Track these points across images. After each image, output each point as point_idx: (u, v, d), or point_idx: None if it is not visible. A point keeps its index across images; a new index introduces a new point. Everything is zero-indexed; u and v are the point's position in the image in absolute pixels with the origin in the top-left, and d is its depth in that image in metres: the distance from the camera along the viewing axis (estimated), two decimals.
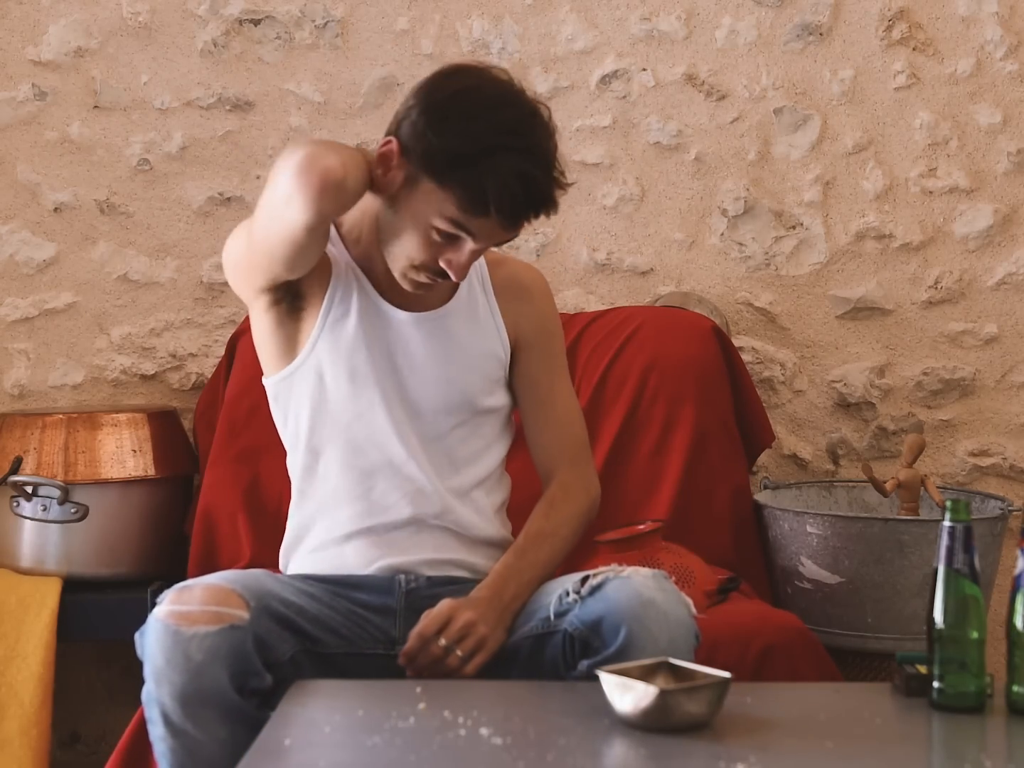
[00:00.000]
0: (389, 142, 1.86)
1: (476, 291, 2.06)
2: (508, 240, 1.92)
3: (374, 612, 1.95)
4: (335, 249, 2.01)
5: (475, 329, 2.04)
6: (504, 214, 1.83)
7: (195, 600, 1.76)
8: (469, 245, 1.86)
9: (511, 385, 2.09)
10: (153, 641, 1.75)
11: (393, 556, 1.99)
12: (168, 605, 1.77)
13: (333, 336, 1.99)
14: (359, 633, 1.93)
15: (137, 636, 1.80)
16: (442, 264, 1.88)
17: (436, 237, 1.86)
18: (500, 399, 2.07)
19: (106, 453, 2.65)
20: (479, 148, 1.80)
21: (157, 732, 1.78)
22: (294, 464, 2.06)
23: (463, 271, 1.88)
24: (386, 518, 1.99)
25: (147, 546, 2.70)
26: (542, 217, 1.87)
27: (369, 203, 1.93)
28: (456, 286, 2.04)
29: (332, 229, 1.99)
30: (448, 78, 1.88)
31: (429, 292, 1.96)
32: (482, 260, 2.07)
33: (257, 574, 1.92)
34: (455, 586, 1.99)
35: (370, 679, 1.85)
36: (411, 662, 1.86)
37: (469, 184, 1.80)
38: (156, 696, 1.75)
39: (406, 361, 1.99)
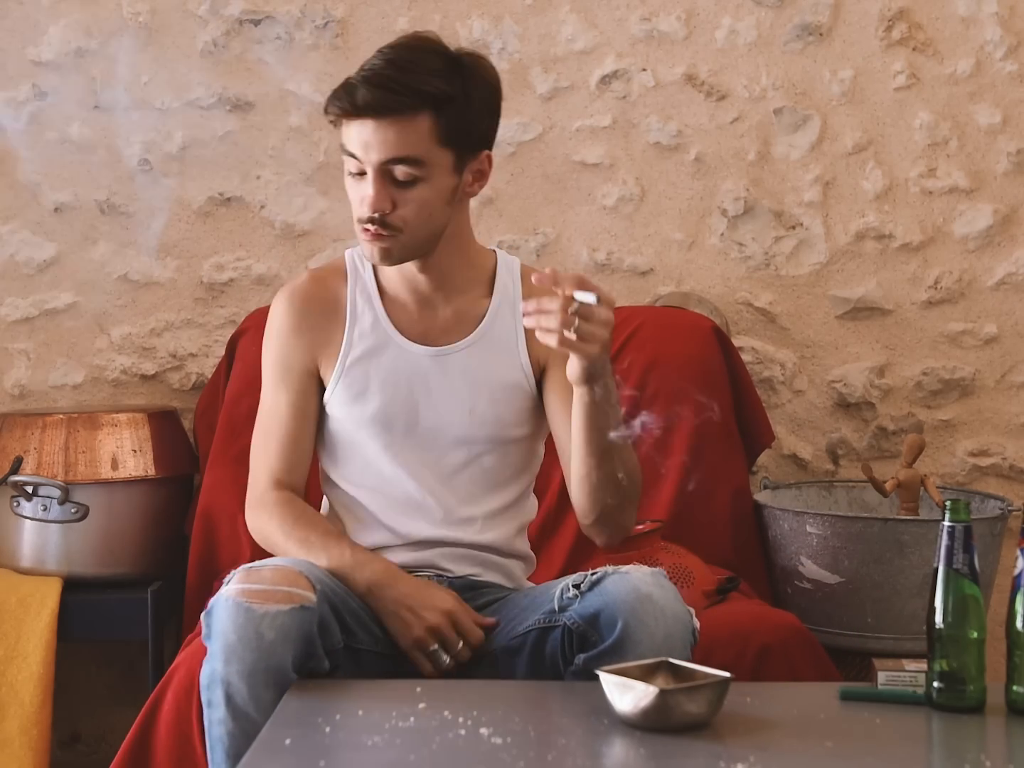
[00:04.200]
0: None
1: (505, 320, 2.03)
2: (384, 157, 1.88)
3: None
4: (358, 282, 2.05)
5: (499, 361, 2.02)
6: (334, 107, 1.90)
7: (266, 579, 1.77)
8: (365, 170, 1.90)
9: (546, 400, 2.04)
10: (224, 618, 1.74)
11: (417, 557, 2.02)
12: (238, 583, 1.77)
13: (349, 380, 2.02)
14: (384, 633, 1.93)
15: (203, 617, 1.79)
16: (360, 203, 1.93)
17: (354, 180, 1.93)
18: (529, 427, 2.05)
19: (106, 453, 2.65)
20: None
21: (217, 715, 1.75)
22: (323, 478, 2.11)
23: (368, 201, 1.90)
24: (407, 540, 2.02)
25: (147, 546, 2.70)
26: (393, 110, 1.88)
27: None
28: (483, 312, 2.03)
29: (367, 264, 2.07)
30: None
31: (382, 248, 1.94)
32: (518, 286, 2.05)
33: (304, 562, 1.91)
34: (476, 591, 2.01)
35: (389, 677, 1.86)
36: (535, 308, 1.77)
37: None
38: (223, 675, 1.73)
39: (424, 398, 2.00)
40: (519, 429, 2.03)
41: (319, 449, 2.09)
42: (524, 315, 1.78)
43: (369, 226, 1.92)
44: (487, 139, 1.97)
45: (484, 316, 2.03)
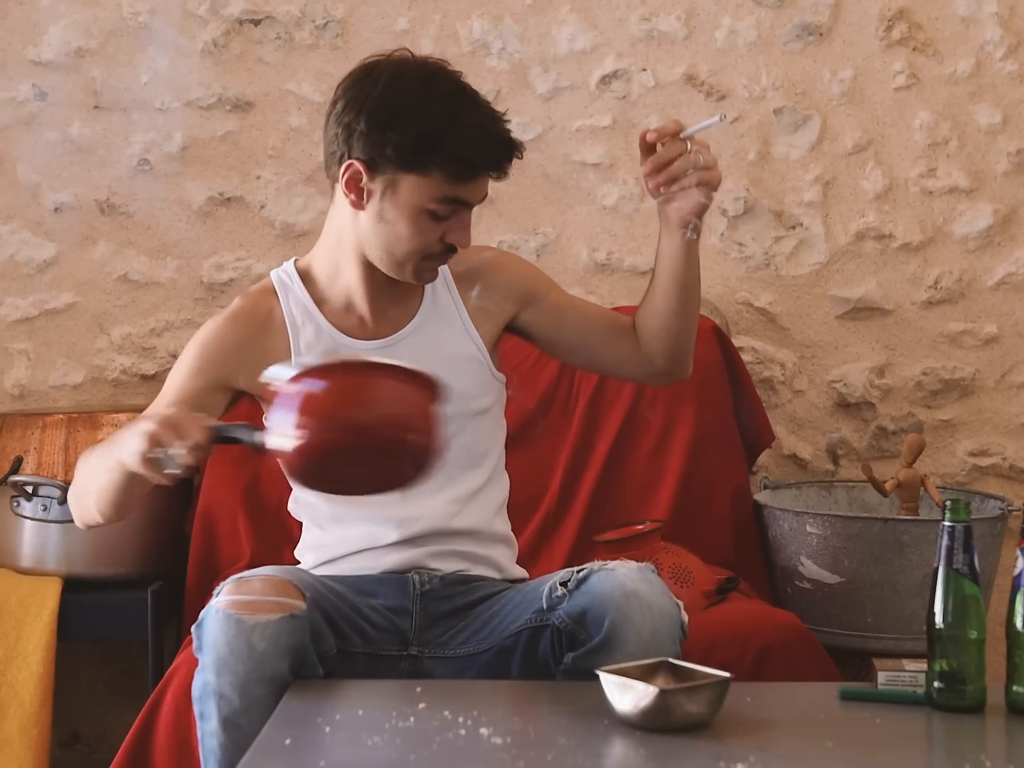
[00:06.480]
0: (351, 165, 1.89)
1: (442, 295, 2.05)
2: (485, 191, 1.95)
3: (392, 612, 1.95)
4: (290, 295, 2.02)
5: (448, 334, 2.04)
6: (489, 165, 1.90)
7: (255, 590, 1.76)
8: (466, 211, 1.92)
9: (544, 334, 2.09)
10: (215, 631, 1.73)
11: (405, 557, 2.00)
12: (228, 595, 1.76)
13: None
14: (377, 633, 1.93)
15: (194, 629, 1.79)
16: (449, 241, 1.92)
17: (434, 221, 1.90)
18: (491, 396, 2.06)
19: None
20: (439, 122, 1.86)
21: (209, 727, 1.75)
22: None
23: (469, 238, 1.94)
24: (391, 539, 2.00)
25: (147, 546, 2.70)
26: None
27: (347, 231, 1.96)
28: (419, 297, 2.04)
29: (293, 272, 2.04)
30: (368, 81, 1.91)
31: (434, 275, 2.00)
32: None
33: (294, 569, 1.92)
34: (468, 585, 2.00)
35: (382, 678, 1.86)
36: (656, 164, 1.89)
37: (448, 157, 1.87)
38: (216, 687, 1.72)
39: None
40: (482, 400, 2.03)
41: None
42: (647, 176, 1.89)
43: (448, 254, 1.95)
44: None
45: (422, 295, 2.04)
